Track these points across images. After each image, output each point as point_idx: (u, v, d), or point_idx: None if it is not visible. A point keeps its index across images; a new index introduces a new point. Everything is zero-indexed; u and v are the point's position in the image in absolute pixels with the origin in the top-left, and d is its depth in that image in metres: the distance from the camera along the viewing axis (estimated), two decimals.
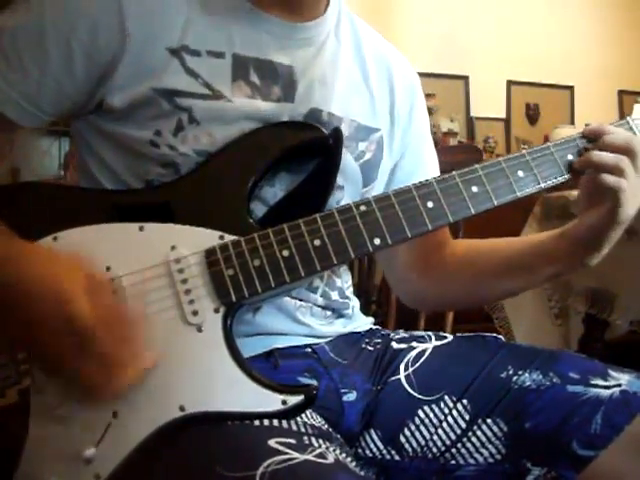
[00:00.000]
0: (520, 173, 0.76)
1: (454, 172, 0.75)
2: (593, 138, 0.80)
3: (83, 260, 0.63)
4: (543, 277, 0.85)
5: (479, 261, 0.90)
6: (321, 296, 0.82)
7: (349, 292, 0.89)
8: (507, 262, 0.87)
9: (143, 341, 0.63)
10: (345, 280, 0.88)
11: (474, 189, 0.74)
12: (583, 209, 0.79)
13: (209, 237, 0.68)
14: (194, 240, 0.68)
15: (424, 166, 0.95)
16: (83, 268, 0.62)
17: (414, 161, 0.94)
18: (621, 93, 3.92)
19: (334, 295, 0.84)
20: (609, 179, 0.75)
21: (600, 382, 0.76)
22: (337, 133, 0.74)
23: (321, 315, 0.82)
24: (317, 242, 0.69)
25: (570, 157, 0.79)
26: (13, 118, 0.73)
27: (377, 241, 0.70)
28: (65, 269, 0.61)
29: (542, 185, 0.77)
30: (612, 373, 0.78)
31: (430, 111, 3.82)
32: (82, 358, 0.60)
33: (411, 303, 1.01)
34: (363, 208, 0.70)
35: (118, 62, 0.72)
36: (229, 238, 0.68)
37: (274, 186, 0.75)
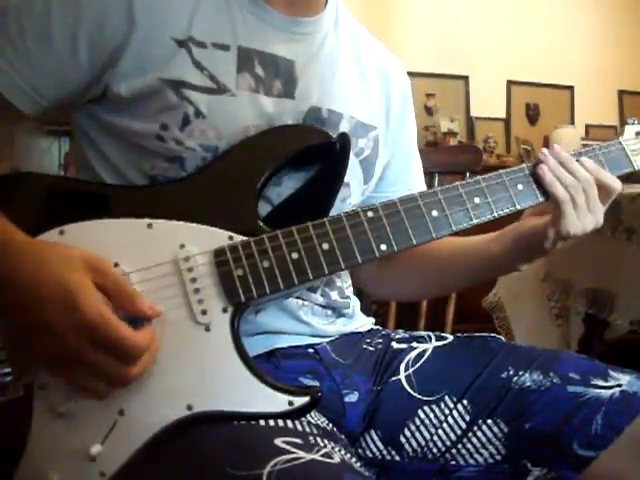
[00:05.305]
0: (520, 187, 0.79)
1: (457, 183, 0.77)
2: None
3: (93, 258, 0.61)
4: (482, 278, 0.90)
5: (433, 257, 0.92)
6: (321, 295, 0.82)
7: (349, 292, 0.89)
8: (454, 261, 0.90)
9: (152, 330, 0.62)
10: (345, 280, 0.88)
11: (476, 200, 0.76)
12: (528, 213, 0.82)
13: (218, 237, 0.68)
14: (203, 239, 0.67)
15: (411, 167, 0.98)
16: (93, 268, 0.60)
17: (402, 162, 0.95)
18: (621, 93, 3.92)
19: (334, 295, 0.84)
20: (559, 189, 0.77)
21: (600, 382, 0.76)
22: (344, 138, 0.75)
23: (322, 314, 0.83)
24: (325, 246, 0.69)
25: None
26: (12, 100, 0.71)
27: (383, 247, 0.71)
28: (74, 270, 0.59)
29: (540, 200, 0.79)
30: (612, 373, 0.78)
31: (430, 111, 3.84)
32: (95, 353, 0.58)
33: (365, 289, 1.03)
34: (370, 214, 0.72)
35: (124, 50, 0.71)
36: (238, 239, 0.68)
37: (280, 186, 0.76)
